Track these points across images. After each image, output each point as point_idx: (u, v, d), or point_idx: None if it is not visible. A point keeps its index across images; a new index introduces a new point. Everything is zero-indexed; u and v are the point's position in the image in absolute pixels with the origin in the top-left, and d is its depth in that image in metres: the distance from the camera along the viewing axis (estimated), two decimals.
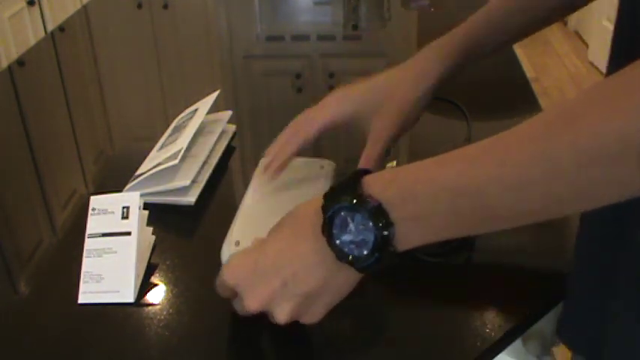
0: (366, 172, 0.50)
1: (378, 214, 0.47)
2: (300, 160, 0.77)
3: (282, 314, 0.52)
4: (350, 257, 0.49)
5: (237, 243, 0.67)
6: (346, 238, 0.49)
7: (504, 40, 0.74)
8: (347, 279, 0.52)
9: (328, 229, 0.49)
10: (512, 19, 0.72)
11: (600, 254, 0.57)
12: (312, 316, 0.53)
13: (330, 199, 0.50)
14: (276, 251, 0.52)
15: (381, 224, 0.47)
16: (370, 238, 0.48)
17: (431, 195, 0.46)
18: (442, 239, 0.48)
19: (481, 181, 0.43)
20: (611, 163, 0.39)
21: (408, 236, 0.48)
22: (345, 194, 0.49)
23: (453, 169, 0.45)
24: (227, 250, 0.67)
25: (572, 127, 0.40)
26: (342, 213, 0.48)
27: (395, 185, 0.47)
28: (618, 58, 0.53)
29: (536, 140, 0.41)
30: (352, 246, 0.49)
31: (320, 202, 0.50)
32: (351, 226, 0.48)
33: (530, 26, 0.73)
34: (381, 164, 0.70)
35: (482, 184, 0.43)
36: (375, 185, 0.48)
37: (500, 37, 0.73)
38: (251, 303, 0.53)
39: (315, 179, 0.76)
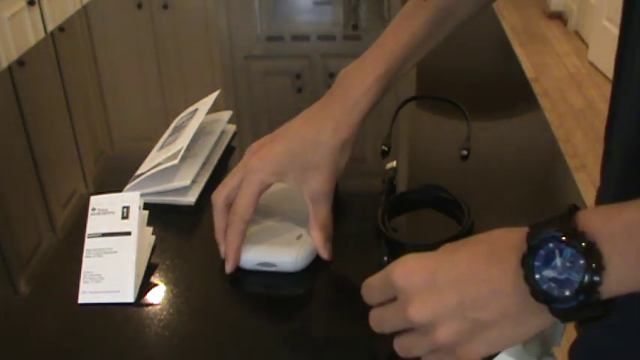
0: (578, 208, 0.44)
1: (593, 252, 0.41)
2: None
3: (445, 333, 0.46)
4: (547, 297, 0.43)
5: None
6: (548, 273, 0.42)
7: (425, 53, 0.72)
8: (533, 322, 0.45)
9: (530, 260, 0.43)
10: (439, 29, 0.70)
11: None
12: (473, 351, 0.47)
13: (538, 227, 0.44)
14: (464, 267, 0.46)
15: (594, 264, 0.41)
16: (577, 278, 0.42)
17: None
18: None
19: None
20: None
21: (618, 282, 0.42)
22: (554, 224, 0.43)
23: None
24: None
25: None
26: (550, 245, 0.43)
27: (618, 220, 0.42)
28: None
29: None
30: (553, 284, 0.42)
31: (525, 229, 0.45)
32: (557, 260, 0.42)
33: (454, 29, 0.72)
34: (330, 224, 0.68)
35: None
36: (591, 219, 0.42)
37: (424, 53, 0.72)
38: (417, 311, 0.46)
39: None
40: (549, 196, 0.81)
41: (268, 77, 1.19)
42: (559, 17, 3.97)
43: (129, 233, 0.67)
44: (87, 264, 0.66)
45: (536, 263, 0.43)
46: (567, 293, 0.42)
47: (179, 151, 0.78)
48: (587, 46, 3.50)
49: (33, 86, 1.16)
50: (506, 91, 1.06)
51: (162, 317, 0.63)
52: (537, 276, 0.43)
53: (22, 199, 0.84)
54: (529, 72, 3.30)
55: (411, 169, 0.86)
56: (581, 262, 0.41)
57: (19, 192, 0.85)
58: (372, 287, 0.52)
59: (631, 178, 0.59)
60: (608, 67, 3.18)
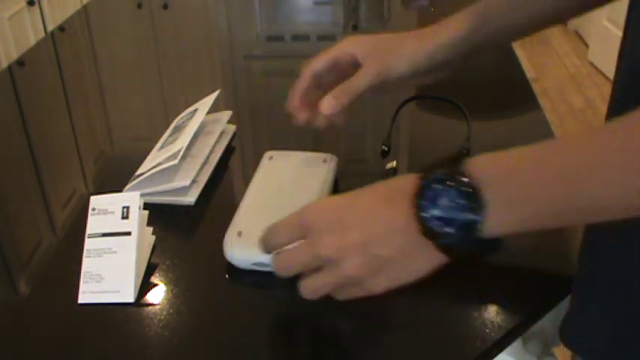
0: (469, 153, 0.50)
1: (473, 194, 0.45)
2: (302, 154, 0.78)
3: (351, 267, 0.50)
4: (432, 233, 0.47)
5: (240, 234, 0.67)
6: (434, 212, 0.47)
7: (518, 25, 0.72)
8: (425, 258, 0.50)
9: (418, 199, 0.47)
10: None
11: (608, 257, 0.56)
12: (375, 285, 0.52)
13: (430, 171, 0.48)
14: (364, 208, 0.51)
15: (473, 205, 0.45)
16: (458, 217, 0.46)
17: (535, 176, 0.44)
18: (527, 230, 0.46)
19: (595, 165, 0.42)
20: None
21: (497, 222, 0.46)
22: (444, 169, 0.47)
23: (565, 152, 0.44)
24: (229, 241, 0.67)
25: None
26: (437, 186, 0.47)
27: (499, 164, 0.46)
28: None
29: None
30: (439, 222, 0.47)
31: (419, 174, 0.49)
32: (443, 200, 0.46)
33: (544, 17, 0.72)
34: (355, 98, 0.69)
35: (596, 169, 0.42)
36: (478, 165, 0.47)
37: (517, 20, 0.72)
38: (327, 245, 0.50)
39: (318, 173, 0.76)
40: None
41: (268, 77, 1.19)
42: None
43: (129, 233, 0.67)
44: (87, 264, 0.66)
45: (424, 202, 0.47)
46: (449, 230, 0.46)
47: (179, 151, 0.78)
48: (587, 46, 3.50)
49: (33, 86, 1.16)
50: (506, 91, 1.06)
51: (162, 317, 0.63)
52: (424, 214, 0.47)
53: (22, 199, 0.84)
54: (529, 72, 3.29)
55: (411, 169, 0.86)
56: (463, 202, 0.45)
57: (19, 192, 0.85)
58: (280, 227, 0.55)
59: None
60: (608, 67, 3.18)
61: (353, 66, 0.71)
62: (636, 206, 0.43)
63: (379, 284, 0.51)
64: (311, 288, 0.54)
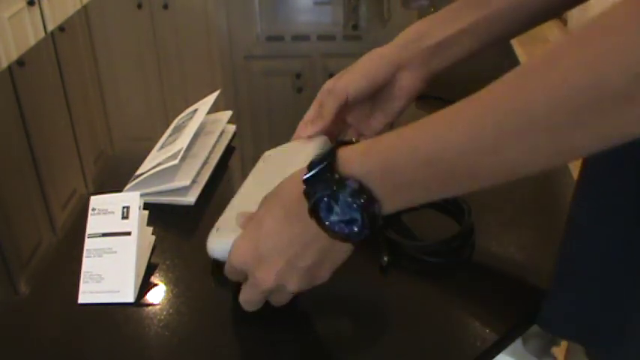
0: (342, 143, 0.52)
1: (360, 193, 0.48)
2: (296, 144, 0.76)
3: (293, 286, 0.56)
4: (342, 236, 0.51)
5: (217, 229, 0.67)
6: (334, 218, 0.50)
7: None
8: (345, 248, 0.55)
9: (315, 213, 0.51)
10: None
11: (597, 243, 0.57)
12: (321, 279, 0.56)
13: (310, 184, 0.51)
14: (273, 234, 0.54)
15: (364, 201, 0.48)
16: (357, 216, 0.49)
17: (409, 163, 0.47)
18: (428, 201, 0.49)
19: (458, 145, 0.44)
20: (586, 111, 0.38)
21: (393, 204, 0.49)
22: (322, 179, 0.50)
23: (429, 135, 0.46)
24: (210, 237, 0.67)
25: (547, 76, 0.40)
26: (325, 199, 0.49)
27: (372, 158, 0.49)
28: None
29: (512, 96, 0.42)
30: (342, 224, 0.50)
31: (301, 183, 0.51)
32: (337, 208, 0.49)
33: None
34: (398, 116, 0.73)
35: (459, 148, 0.44)
36: (351, 161, 0.49)
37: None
38: (263, 281, 0.55)
39: (306, 159, 0.73)
40: (549, 196, 0.81)
41: (268, 77, 1.19)
42: (559, 17, 3.97)
43: (129, 233, 0.67)
44: (87, 264, 0.66)
45: (321, 214, 0.50)
46: (356, 229, 0.50)
47: (179, 151, 0.78)
48: None
49: (33, 86, 1.16)
50: None
51: (162, 317, 0.63)
52: (327, 223, 0.50)
53: (22, 199, 0.84)
54: None
55: None
56: (354, 204, 0.48)
57: (19, 192, 0.85)
58: (228, 273, 0.60)
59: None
60: None
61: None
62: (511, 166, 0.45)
63: (324, 277, 0.56)
64: (246, 301, 0.60)
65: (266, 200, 0.57)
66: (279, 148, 0.79)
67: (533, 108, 0.40)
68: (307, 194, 0.51)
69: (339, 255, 0.55)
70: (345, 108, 0.73)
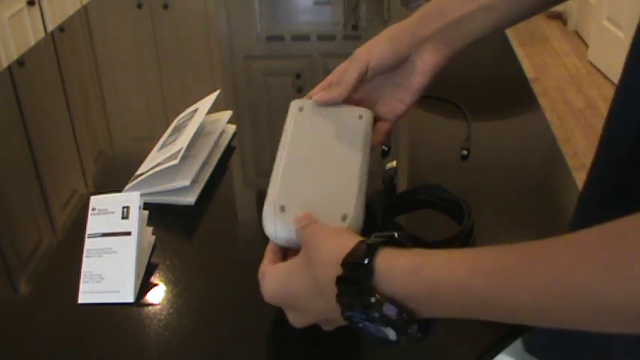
0: (377, 244, 0.48)
1: (398, 318, 0.46)
2: (336, 107, 0.71)
3: (327, 329, 0.56)
4: (372, 336, 0.49)
5: (283, 208, 0.60)
6: (368, 325, 0.48)
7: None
8: None
9: (348, 320, 0.49)
10: None
11: None
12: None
13: (344, 293, 0.48)
14: (303, 299, 0.53)
15: (401, 324, 0.46)
16: (392, 334, 0.47)
17: (457, 300, 0.44)
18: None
19: (515, 303, 0.42)
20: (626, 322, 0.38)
21: (428, 317, 0.47)
22: (358, 295, 0.47)
23: (486, 283, 0.43)
24: (271, 217, 0.60)
25: (619, 280, 0.37)
26: (361, 322, 0.48)
27: (418, 284, 0.45)
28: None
29: (588, 271, 0.39)
30: (376, 331, 0.48)
31: (338, 264, 0.49)
32: (371, 326, 0.48)
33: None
34: (350, 88, 0.69)
35: (516, 305, 0.42)
36: (393, 281, 0.46)
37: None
38: (293, 323, 0.56)
39: (354, 130, 0.70)
40: (549, 196, 0.81)
41: (268, 77, 1.19)
42: (559, 17, 3.97)
43: (129, 233, 0.67)
44: (87, 264, 0.66)
45: (354, 320, 0.48)
46: (390, 338, 0.47)
47: (179, 151, 0.78)
48: (587, 46, 3.50)
49: (33, 86, 1.16)
50: (506, 91, 1.06)
51: (162, 317, 0.63)
52: (360, 325, 0.48)
53: (22, 199, 0.84)
54: (529, 72, 3.29)
55: (411, 169, 0.86)
56: (389, 327, 0.46)
57: (19, 192, 0.85)
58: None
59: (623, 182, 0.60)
60: (608, 67, 3.18)
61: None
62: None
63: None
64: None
65: (308, 251, 0.54)
66: (313, 103, 0.73)
67: (607, 301, 0.38)
68: (340, 302, 0.48)
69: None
70: (365, 78, 0.70)
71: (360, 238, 0.50)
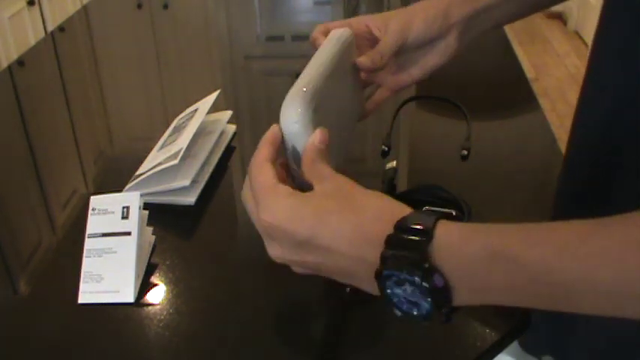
0: (440, 217, 0.45)
1: (442, 294, 0.43)
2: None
3: (298, 271, 0.50)
4: (396, 307, 0.46)
5: (305, 89, 0.54)
6: (398, 292, 0.45)
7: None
8: (374, 286, 0.47)
9: (383, 280, 0.45)
10: None
11: None
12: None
13: (392, 252, 0.44)
14: (331, 240, 0.46)
15: (440, 298, 0.44)
16: (425, 306, 0.44)
17: (506, 276, 0.42)
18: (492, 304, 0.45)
19: (570, 277, 0.40)
20: None
21: (462, 303, 0.45)
22: (409, 258, 0.43)
23: (541, 253, 0.41)
24: (298, 99, 0.53)
25: None
26: (402, 277, 0.44)
27: (469, 254, 0.43)
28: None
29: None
30: (403, 299, 0.45)
31: (391, 222, 0.45)
32: (408, 287, 0.44)
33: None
34: (388, 58, 0.68)
35: (570, 280, 0.40)
36: (447, 251, 0.43)
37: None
38: (274, 256, 0.49)
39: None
40: (549, 196, 0.81)
41: (268, 77, 1.19)
42: (559, 17, 3.97)
43: (129, 233, 0.67)
44: (87, 264, 0.66)
45: (388, 282, 0.44)
46: (415, 313, 0.45)
47: (179, 151, 0.78)
48: (587, 46, 3.50)
49: (33, 86, 1.16)
50: (506, 91, 1.06)
51: (162, 317, 0.63)
52: (388, 291, 0.45)
53: (22, 199, 0.84)
54: (529, 72, 3.29)
55: (411, 169, 0.86)
56: (429, 298, 0.43)
57: (19, 192, 0.85)
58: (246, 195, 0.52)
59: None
60: None
61: (367, 39, 0.70)
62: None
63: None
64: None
65: (345, 198, 0.48)
66: (350, 36, 0.68)
67: None
68: (384, 258, 0.44)
69: (371, 291, 0.48)
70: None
71: (405, 207, 0.47)
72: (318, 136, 0.52)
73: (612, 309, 0.40)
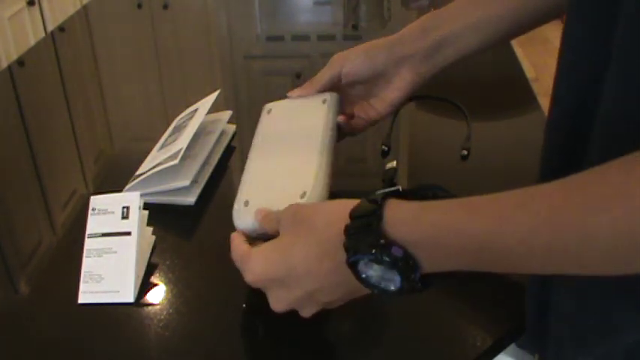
0: (389, 194, 0.50)
1: (404, 262, 0.47)
2: (300, 100, 0.75)
3: (306, 313, 0.55)
4: (376, 287, 0.49)
5: (247, 203, 0.64)
6: (372, 273, 0.49)
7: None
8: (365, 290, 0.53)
9: (353, 267, 0.49)
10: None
11: None
12: (333, 306, 0.56)
13: (352, 239, 0.49)
14: (303, 266, 0.52)
15: (406, 267, 0.47)
16: (397, 278, 0.48)
17: (457, 247, 0.46)
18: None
19: (510, 242, 0.43)
20: None
21: (434, 269, 0.48)
22: (366, 239, 0.48)
23: (482, 223, 0.45)
24: (237, 211, 0.64)
25: (611, 205, 0.39)
26: (367, 259, 0.48)
27: (420, 230, 0.47)
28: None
29: (573, 210, 0.40)
30: (379, 281, 0.49)
31: (343, 220, 0.50)
32: (376, 268, 0.48)
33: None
34: (394, 109, 0.73)
35: (510, 244, 0.43)
36: (400, 225, 0.48)
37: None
38: (275, 306, 0.55)
39: (317, 115, 0.72)
40: None
41: (268, 77, 1.19)
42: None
43: (129, 233, 0.67)
44: (87, 264, 0.66)
45: (359, 268, 0.49)
46: (392, 288, 0.49)
47: (179, 151, 0.78)
48: None
49: (33, 86, 1.16)
50: (507, 91, 1.06)
51: (162, 317, 0.63)
52: (363, 275, 0.49)
53: (22, 199, 0.84)
54: (529, 72, 3.29)
55: (411, 169, 0.86)
56: (395, 269, 0.47)
57: (19, 192, 0.85)
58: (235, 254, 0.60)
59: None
60: None
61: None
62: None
63: (336, 305, 0.55)
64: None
65: (299, 224, 0.54)
66: (282, 103, 0.78)
67: (594, 231, 0.39)
68: (347, 248, 0.49)
69: (362, 293, 0.53)
70: (341, 83, 0.74)
71: (354, 200, 0.52)
72: (258, 216, 0.61)
73: (555, 269, 0.44)
